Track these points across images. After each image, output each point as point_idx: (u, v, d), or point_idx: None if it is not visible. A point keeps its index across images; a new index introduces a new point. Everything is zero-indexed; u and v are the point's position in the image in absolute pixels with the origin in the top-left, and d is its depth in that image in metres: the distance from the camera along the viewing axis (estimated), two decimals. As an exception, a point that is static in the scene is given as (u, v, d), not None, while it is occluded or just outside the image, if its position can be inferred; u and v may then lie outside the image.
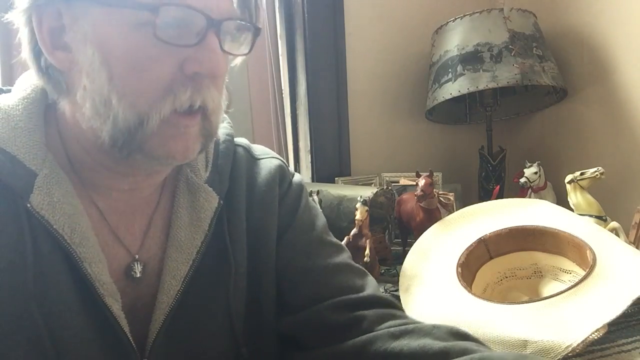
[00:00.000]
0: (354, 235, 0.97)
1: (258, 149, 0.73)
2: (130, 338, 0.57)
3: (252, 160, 0.71)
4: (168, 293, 0.59)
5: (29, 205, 0.53)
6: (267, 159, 0.72)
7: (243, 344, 0.64)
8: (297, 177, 0.74)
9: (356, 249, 0.96)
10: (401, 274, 0.93)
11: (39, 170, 0.54)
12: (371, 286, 0.68)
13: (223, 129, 0.70)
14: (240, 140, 0.72)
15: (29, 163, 0.54)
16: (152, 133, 0.52)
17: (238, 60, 0.61)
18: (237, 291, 0.64)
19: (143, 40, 0.51)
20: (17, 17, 0.55)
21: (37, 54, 0.55)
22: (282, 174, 0.71)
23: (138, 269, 0.60)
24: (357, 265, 0.71)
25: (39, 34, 0.53)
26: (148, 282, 0.60)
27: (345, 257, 0.71)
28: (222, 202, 0.64)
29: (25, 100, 0.58)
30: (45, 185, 0.54)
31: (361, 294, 0.65)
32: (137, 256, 0.60)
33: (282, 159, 0.74)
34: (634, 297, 0.68)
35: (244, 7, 0.56)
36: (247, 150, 0.71)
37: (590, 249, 0.79)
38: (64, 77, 0.55)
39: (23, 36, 0.55)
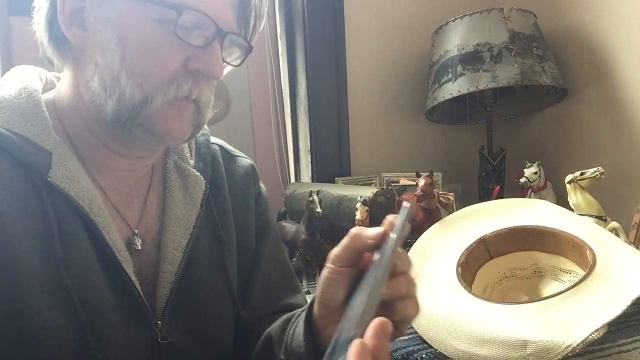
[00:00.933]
0: (354, 235, 0.97)
1: (231, 147, 0.82)
2: (146, 302, 0.63)
3: (229, 155, 0.79)
4: (172, 263, 0.66)
5: (49, 179, 0.58)
6: (243, 158, 0.81)
7: (241, 308, 0.73)
8: (262, 184, 0.83)
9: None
10: (401, 274, 0.93)
11: (52, 149, 0.60)
12: (302, 301, 0.81)
13: None
14: (212, 137, 0.80)
15: (43, 144, 0.59)
16: (155, 111, 0.60)
17: (227, 70, 0.68)
18: (231, 264, 0.73)
19: (160, 33, 0.58)
20: None
21: (51, 26, 0.61)
22: (254, 174, 0.81)
23: (138, 241, 0.66)
24: (296, 283, 0.83)
25: (60, 10, 0.60)
26: (148, 254, 0.67)
27: (289, 275, 0.82)
28: (208, 186, 0.72)
29: (26, 90, 0.63)
30: (61, 162, 0.60)
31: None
32: (136, 230, 0.66)
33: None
34: (634, 297, 0.68)
35: (243, 26, 0.67)
36: (222, 147, 0.79)
37: (590, 249, 0.79)
38: (72, 52, 0.62)
39: (42, 9, 0.61)
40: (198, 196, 0.70)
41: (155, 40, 0.59)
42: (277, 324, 0.70)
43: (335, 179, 1.58)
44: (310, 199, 1.08)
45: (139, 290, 0.62)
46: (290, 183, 1.67)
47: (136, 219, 0.67)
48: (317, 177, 1.62)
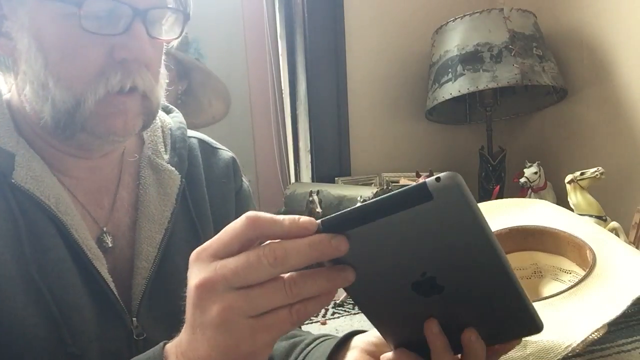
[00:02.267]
0: (354, 235, 0.97)
1: (212, 140, 0.79)
2: (120, 299, 0.62)
3: (210, 149, 0.77)
4: (147, 259, 0.65)
5: (13, 181, 0.57)
6: (224, 151, 0.78)
7: None
8: (245, 179, 0.80)
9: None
10: (401, 274, 0.93)
11: (15, 151, 0.59)
12: None
13: (175, 117, 0.76)
14: (192, 131, 0.78)
15: (5, 146, 0.58)
16: (91, 112, 0.57)
17: (175, 43, 0.66)
18: None
19: (71, 30, 0.55)
20: None
21: None
22: (235, 167, 0.78)
23: (108, 239, 0.64)
24: None
25: None
26: (122, 251, 0.65)
27: None
28: (184, 180, 0.70)
29: None
30: (25, 163, 0.59)
31: None
32: (105, 228, 0.65)
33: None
34: (634, 297, 0.68)
35: None
36: (202, 140, 0.77)
37: (590, 249, 0.79)
38: (5, 61, 0.60)
39: None
40: (173, 191, 0.69)
41: (71, 39, 0.56)
42: (278, 346, 0.68)
43: (335, 179, 1.58)
44: (310, 199, 1.08)
45: (112, 288, 0.61)
46: (290, 183, 1.67)
47: (106, 217, 0.66)
48: (317, 177, 1.62)
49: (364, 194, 1.14)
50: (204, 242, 0.69)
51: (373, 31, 1.66)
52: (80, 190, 0.64)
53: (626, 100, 1.37)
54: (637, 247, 0.99)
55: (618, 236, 0.94)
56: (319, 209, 1.07)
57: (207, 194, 0.73)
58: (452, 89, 1.42)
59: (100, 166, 0.66)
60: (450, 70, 1.44)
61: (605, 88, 1.43)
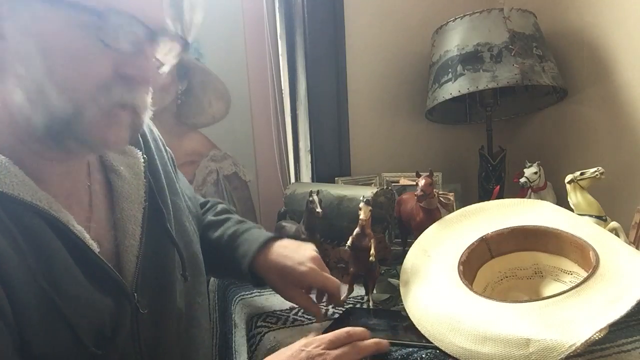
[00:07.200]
0: (357, 235, 0.97)
1: None
2: (124, 283, 0.65)
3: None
4: (134, 237, 0.68)
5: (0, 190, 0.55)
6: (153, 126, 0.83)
7: (184, 270, 0.76)
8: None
9: (360, 250, 0.96)
10: (402, 269, 0.93)
11: None
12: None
13: None
14: None
15: None
16: (89, 123, 0.57)
17: (166, 69, 0.67)
18: (174, 230, 0.76)
19: (85, 40, 0.55)
20: None
21: None
22: (161, 138, 0.84)
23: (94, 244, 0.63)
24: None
25: None
26: (104, 235, 0.67)
27: None
28: (145, 157, 0.74)
29: None
30: (4, 171, 0.57)
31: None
32: (90, 223, 0.67)
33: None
34: (638, 298, 0.68)
35: (176, 20, 0.66)
36: None
37: (594, 250, 0.79)
38: None
39: None
40: (140, 170, 0.72)
41: (82, 49, 0.55)
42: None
43: (335, 179, 1.58)
44: (310, 199, 1.08)
45: (115, 271, 0.64)
46: (290, 183, 1.67)
47: (87, 214, 0.68)
48: (317, 177, 1.62)
49: (364, 194, 1.14)
50: (167, 216, 0.75)
51: (373, 31, 1.66)
52: (60, 195, 0.63)
53: (626, 100, 1.37)
54: (637, 247, 0.99)
55: (618, 236, 0.94)
56: (319, 209, 1.07)
57: (162, 172, 0.77)
58: (452, 89, 1.42)
59: (76, 169, 0.67)
60: (450, 70, 1.44)
61: (605, 88, 1.43)
